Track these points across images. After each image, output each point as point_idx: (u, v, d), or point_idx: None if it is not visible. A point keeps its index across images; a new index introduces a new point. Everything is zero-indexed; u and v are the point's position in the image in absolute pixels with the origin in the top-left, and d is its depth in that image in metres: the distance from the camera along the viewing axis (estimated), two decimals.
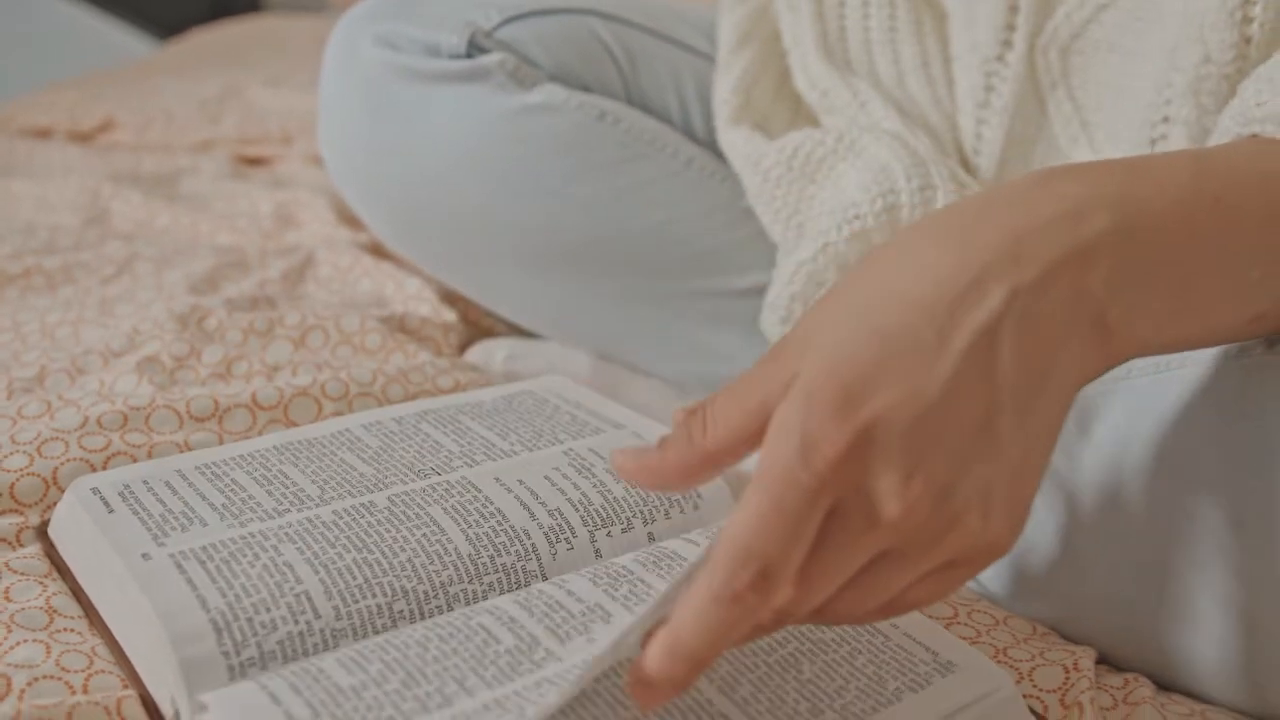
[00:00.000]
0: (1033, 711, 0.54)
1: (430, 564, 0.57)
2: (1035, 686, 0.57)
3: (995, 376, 0.42)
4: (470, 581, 0.57)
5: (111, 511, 0.58)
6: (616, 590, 0.55)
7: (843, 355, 0.43)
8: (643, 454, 0.47)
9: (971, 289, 0.43)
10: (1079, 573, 0.60)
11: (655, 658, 0.41)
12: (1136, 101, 0.68)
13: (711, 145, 0.91)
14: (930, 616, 0.59)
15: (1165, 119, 0.66)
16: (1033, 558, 0.62)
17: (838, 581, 0.43)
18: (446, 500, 0.61)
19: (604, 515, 0.62)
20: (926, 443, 0.42)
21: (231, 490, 0.61)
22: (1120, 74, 0.69)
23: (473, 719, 0.47)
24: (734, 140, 0.86)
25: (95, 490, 0.60)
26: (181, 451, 0.71)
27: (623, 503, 0.63)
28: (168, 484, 0.61)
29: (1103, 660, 0.60)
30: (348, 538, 0.57)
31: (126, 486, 0.60)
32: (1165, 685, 0.58)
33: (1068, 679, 0.57)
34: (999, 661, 0.57)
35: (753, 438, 0.45)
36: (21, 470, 0.66)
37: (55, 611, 0.58)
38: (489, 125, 0.87)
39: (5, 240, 1.09)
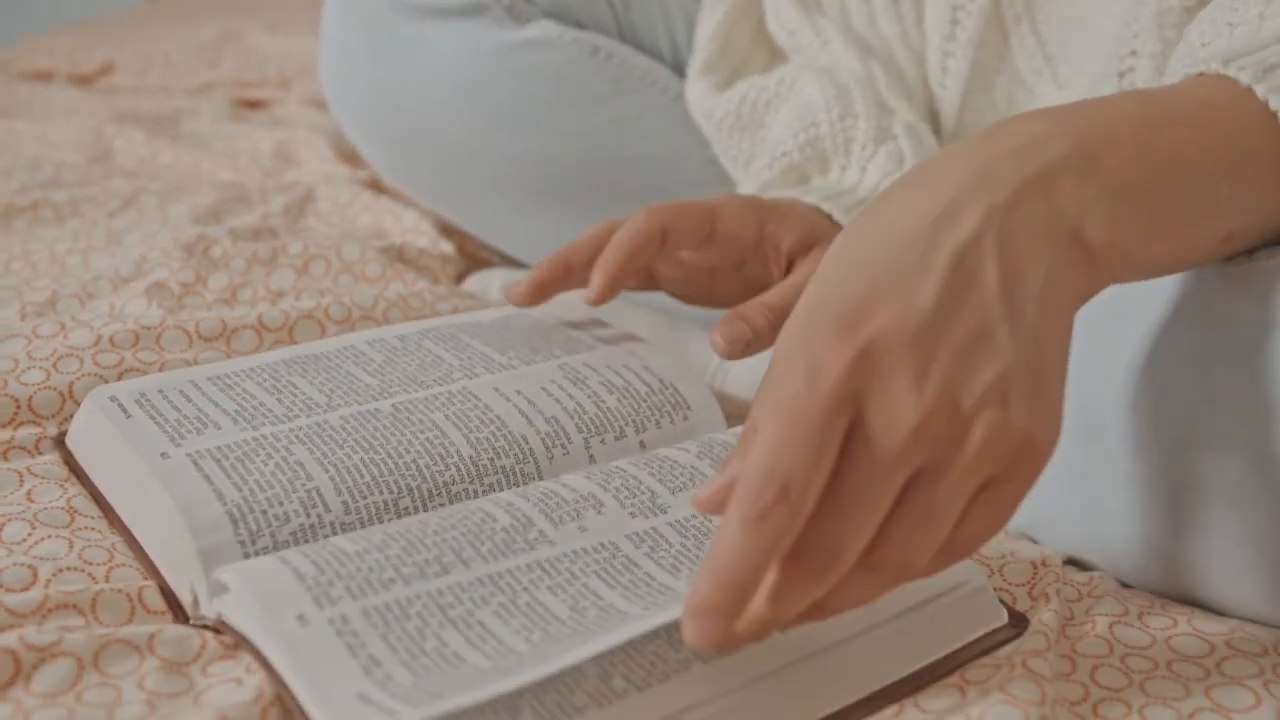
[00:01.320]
0: (1002, 603, 0.57)
1: (433, 465, 0.60)
2: (1005, 580, 0.60)
3: (982, 289, 0.44)
4: (471, 482, 0.61)
5: (129, 417, 0.61)
6: (609, 484, 0.58)
7: (833, 288, 0.45)
8: (714, 482, 0.47)
9: (946, 215, 0.45)
10: (1050, 483, 0.62)
11: (699, 587, 0.43)
12: (1100, 35, 0.71)
13: None
14: None
15: (1133, 52, 0.69)
16: None
17: (871, 509, 0.43)
18: (448, 408, 0.64)
19: (598, 423, 0.66)
20: (929, 350, 0.43)
21: (243, 398, 0.64)
22: (1084, 9, 0.72)
23: (468, 591, 0.51)
24: (691, 95, 0.89)
25: (113, 398, 0.63)
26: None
27: (615, 412, 0.66)
28: (182, 393, 0.64)
29: (1070, 561, 0.63)
30: (355, 440, 0.61)
31: (143, 394, 0.63)
32: (1130, 584, 0.61)
33: (1036, 574, 0.60)
34: (972, 559, 0.61)
35: None
36: (39, 384, 0.69)
37: (76, 511, 0.61)
38: (485, 59, 0.89)
39: (11, 175, 1.12)
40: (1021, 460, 0.44)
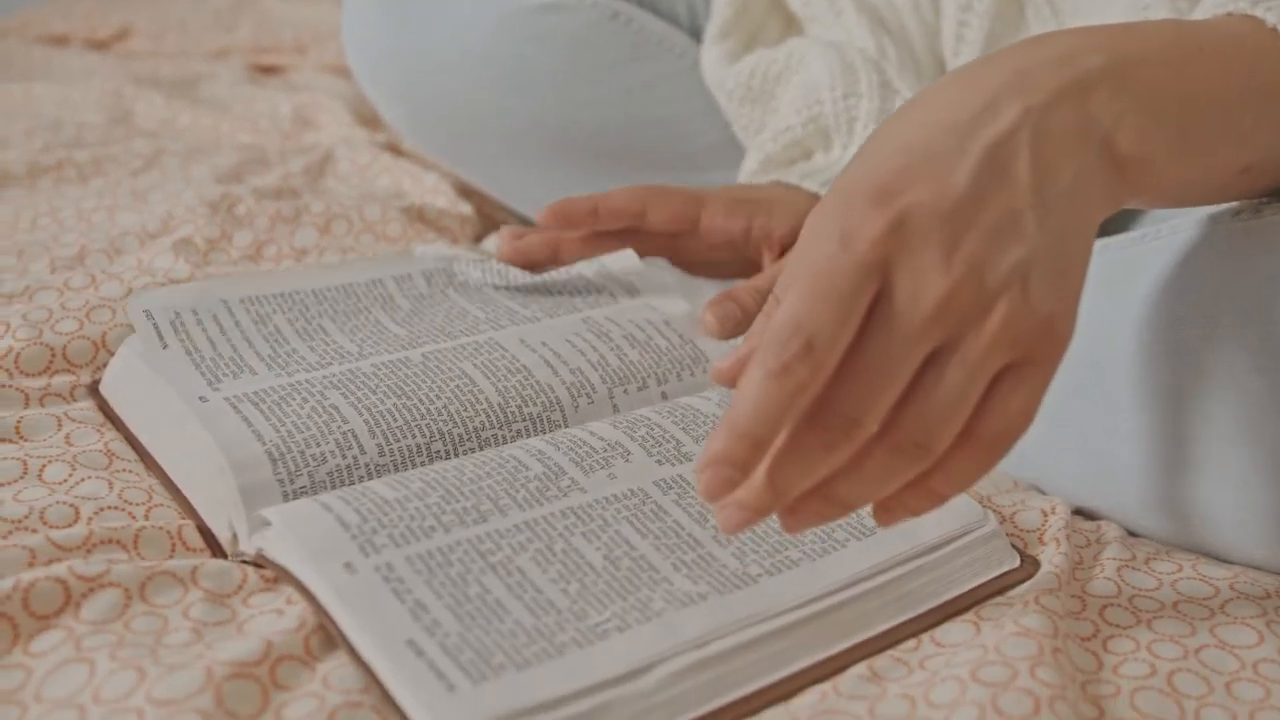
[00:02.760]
0: (1014, 547, 0.59)
1: (464, 410, 0.62)
2: (1016, 527, 0.62)
3: (1014, 179, 0.46)
4: (500, 428, 0.62)
5: (165, 347, 0.63)
6: (635, 433, 0.60)
7: (873, 164, 0.47)
8: (734, 355, 0.49)
9: (985, 110, 0.47)
10: (1058, 433, 0.64)
11: (716, 437, 0.44)
12: (1115, 5, 0.72)
13: None
14: None
15: (1145, 10, 0.70)
16: None
17: (893, 378, 0.44)
18: (476, 357, 0.66)
19: (621, 374, 0.67)
20: (960, 228, 0.45)
21: (276, 341, 0.65)
22: None
23: (507, 537, 0.53)
24: (706, 63, 0.91)
25: (147, 313, 0.65)
26: None
27: (638, 365, 0.68)
28: (215, 317, 0.65)
29: (1078, 511, 0.65)
30: (387, 386, 0.62)
31: (177, 314, 0.65)
32: (1136, 533, 0.63)
33: (1045, 521, 0.62)
34: (983, 506, 0.62)
35: None
36: (73, 334, 0.71)
37: (114, 455, 0.62)
38: (505, 22, 0.91)
39: (35, 135, 1.13)
40: (1041, 344, 0.46)
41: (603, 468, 0.57)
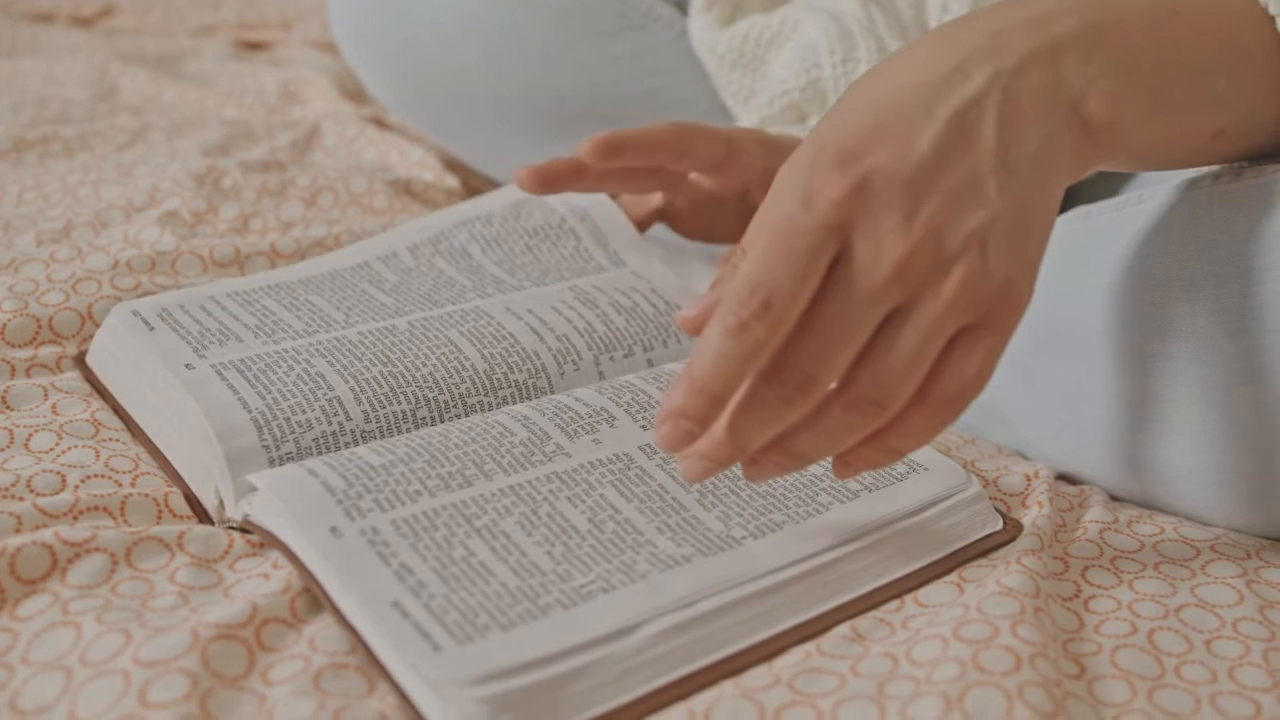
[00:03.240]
0: (996, 510, 0.59)
1: (449, 377, 0.62)
2: (999, 491, 0.62)
3: (979, 144, 0.46)
4: (486, 394, 0.63)
5: (152, 330, 0.63)
6: (620, 398, 0.60)
7: (838, 125, 0.47)
8: (698, 303, 0.49)
9: (955, 72, 0.48)
10: (1040, 397, 0.65)
11: (674, 391, 0.45)
12: None
13: None
14: None
15: None
16: (997, 390, 0.67)
17: (849, 338, 0.45)
18: (462, 325, 0.66)
19: (607, 341, 0.68)
20: (922, 191, 0.45)
21: (263, 314, 0.65)
22: None
23: (491, 501, 0.53)
24: (695, 29, 0.90)
25: (135, 313, 0.65)
26: None
27: (624, 331, 0.68)
28: (202, 307, 0.66)
29: (1061, 476, 0.66)
30: (373, 353, 0.62)
31: (164, 309, 0.65)
32: (1119, 496, 0.64)
33: (1029, 485, 0.62)
34: (966, 470, 0.63)
35: None
36: (59, 305, 0.71)
37: (100, 424, 0.62)
38: None
39: (20, 110, 1.13)
40: (998, 307, 0.46)
41: (588, 433, 0.58)
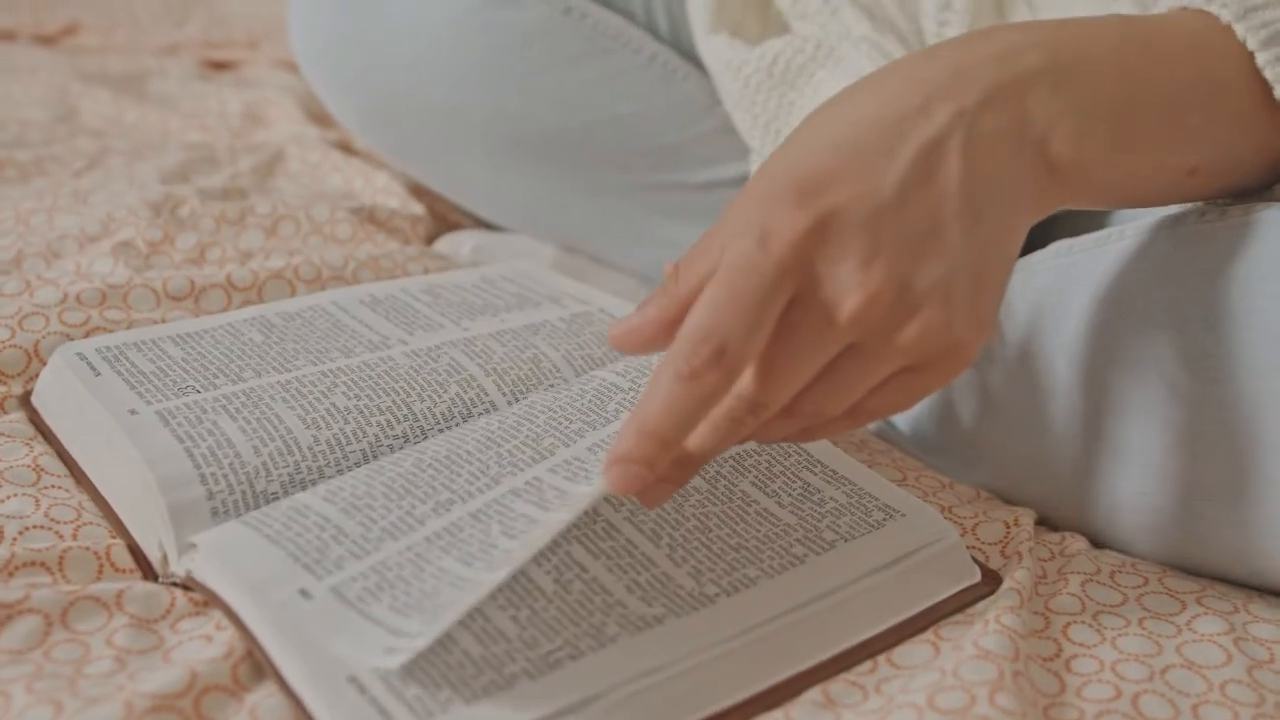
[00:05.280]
0: (975, 561, 0.57)
1: (405, 419, 0.60)
2: (978, 539, 0.60)
3: (942, 185, 0.45)
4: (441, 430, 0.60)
5: (98, 375, 0.61)
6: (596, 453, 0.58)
7: (797, 159, 0.45)
8: (629, 319, 0.48)
9: (918, 110, 0.46)
10: (1017, 437, 0.63)
11: (624, 435, 0.44)
12: (1089, 7, 0.71)
13: (674, 44, 0.93)
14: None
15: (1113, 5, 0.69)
16: (971, 425, 0.65)
17: (802, 374, 0.45)
18: (416, 362, 0.64)
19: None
20: (883, 234, 0.44)
21: (211, 357, 0.63)
22: None
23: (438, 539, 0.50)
24: (714, 46, 0.88)
25: (81, 355, 0.62)
26: None
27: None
28: (150, 349, 0.63)
29: (1042, 522, 0.64)
30: (331, 393, 0.60)
31: (109, 350, 0.63)
32: (1099, 544, 0.62)
33: (1009, 533, 0.60)
34: (945, 518, 0.61)
35: None
36: (4, 343, 0.68)
37: (42, 470, 0.60)
38: (456, 17, 0.88)
39: None
40: (944, 360, 0.46)
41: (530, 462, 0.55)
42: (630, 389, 0.60)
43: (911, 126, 0.46)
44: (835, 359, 0.45)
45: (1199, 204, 0.56)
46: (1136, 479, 0.57)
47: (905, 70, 0.48)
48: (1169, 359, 0.54)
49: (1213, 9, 0.51)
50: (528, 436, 0.56)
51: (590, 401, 0.59)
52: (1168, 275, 0.55)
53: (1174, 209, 0.57)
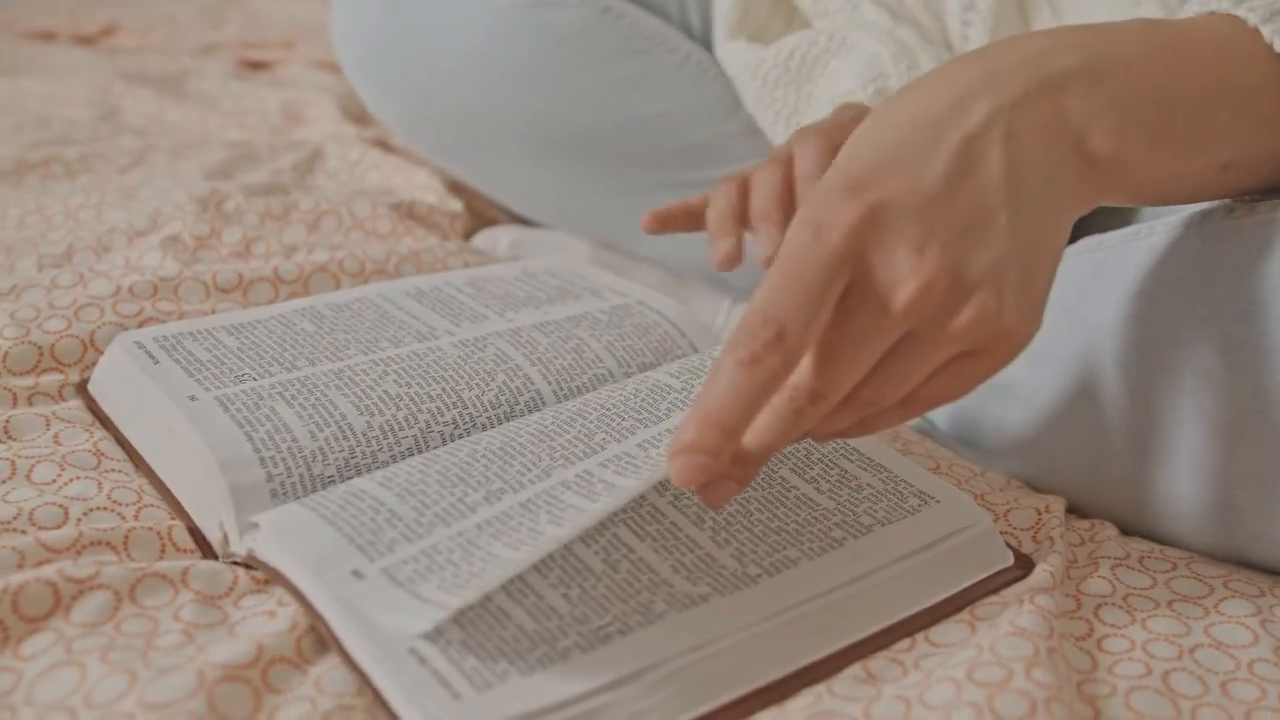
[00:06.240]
0: (1008, 546, 0.58)
1: (455, 405, 0.62)
2: (1010, 525, 0.62)
3: (986, 176, 0.46)
4: (493, 420, 0.62)
5: (157, 363, 0.63)
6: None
7: (847, 160, 0.47)
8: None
9: (956, 107, 0.48)
10: (1050, 429, 0.64)
11: (686, 425, 0.44)
12: (1114, 9, 0.72)
13: (706, 43, 0.95)
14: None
15: (1138, 8, 0.70)
16: (1005, 417, 0.67)
17: (861, 363, 0.46)
18: (464, 352, 0.66)
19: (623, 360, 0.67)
20: (934, 222, 0.45)
21: (266, 345, 0.65)
22: None
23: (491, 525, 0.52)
24: (732, 51, 0.90)
25: (139, 344, 0.64)
26: None
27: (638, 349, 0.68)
28: (204, 341, 0.65)
29: (1071, 509, 0.65)
30: (384, 380, 0.62)
31: (167, 339, 0.65)
32: (1130, 531, 0.63)
33: (1040, 519, 0.62)
34: (977, 504, 0.62)
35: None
36: (60, 332, 0.70)
37: (102, 454, 0.62)
38: (497, 19, 0.90)
39: (22, 132, 1.12)
40: (997, 345, 0.47)
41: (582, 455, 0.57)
42: (683, 389, 0.61)
43: (950, 123, 0.47)
44: (891, 348, 0.47)
45: (1226, 201, 0.57)
46: (1169, 469, 0.58)
47: (939, 76, 0.50)
48: (1201, 351, 0.56)
49: (1240, 12, 0.53)
50: (580, 432, 0.58)
51: (643, 401, 0.61)
52: (1198, 269, 0.56)
53: (1200, 206, 0.59)
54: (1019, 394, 0.66)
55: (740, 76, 0.90)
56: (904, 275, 0.45)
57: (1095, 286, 0.61)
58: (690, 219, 0.73)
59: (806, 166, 0.67)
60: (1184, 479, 0.58)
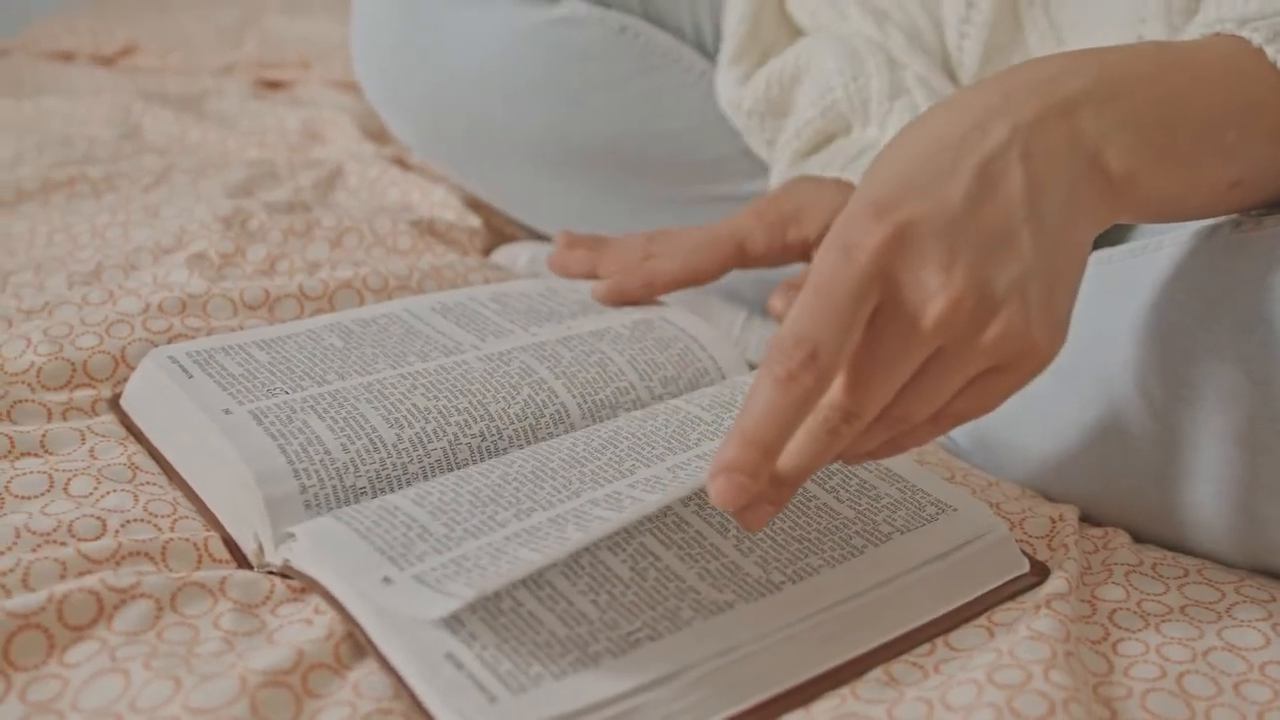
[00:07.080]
0: (1024, 553, 0.60)
1: (485, 419, 0.63)
2: (1025, 533, 0.63)
3: (1008, 195, 0.48)
4: (523, 437, 0.64)
5: (190, 377, 0.64)
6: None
7: (869, 185, 0.49)
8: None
9: (975, 128, 0.49)
10: (1062, 439, 0.65)
11: (726, 446, 0.46)
12: (1112, 20, 0.74)
13: None
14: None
15: (1139, 37, 0.72)
16: (1018, 429, 0.68)
17: (892, 381, 0.47)
18: (498, 363, 0.67)
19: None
20: (959, 241, 0.47)
21: (298, 360, 0.67)
22: None
23: (527, 535, 0.53)
24: (720, 87, 0.92)
25: (173, 359, 0.66)
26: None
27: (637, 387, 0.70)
28: (236, 356, 0.67)
29: (1084, 518, 0.66)
30: (413, 394, 0.64)
31: (199, 354, 0.66)
32: (1143, 539, 0.64)
33: (1054, 527, 0.63)
34: (993, 513, 0.64)
35: None
36: (93, 349, 0.72)
37: (137, 468, 0.63)
38: (515, 37, 0.92)
39: (46, 151, 1.14)
40: (1023, 360, 0.49)
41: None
42: (713, 421, 0.63)
43: (971, 145, 0.49)
44: (920, 366, 0.48)
45: (1234, 215, 0.59)
46: (1186, 480, 0.60)
47: (954, 102, 0.51)
48: (1213, 363, 0.57)
49: (1244, 33, 0.54)
50: (610, 459, 0.59)
51: (674, 431, 0.62)
52: (1207, 283, 0.58)
53: (1209, 221, 0.60)
54: (1031, 404, 0.67)
55: (731, 114, 0.92)
56: (932, 293, 0.46)
57: (1105, 299, 0.62)
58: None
59: None
60: (1202, 489, 0.59)
